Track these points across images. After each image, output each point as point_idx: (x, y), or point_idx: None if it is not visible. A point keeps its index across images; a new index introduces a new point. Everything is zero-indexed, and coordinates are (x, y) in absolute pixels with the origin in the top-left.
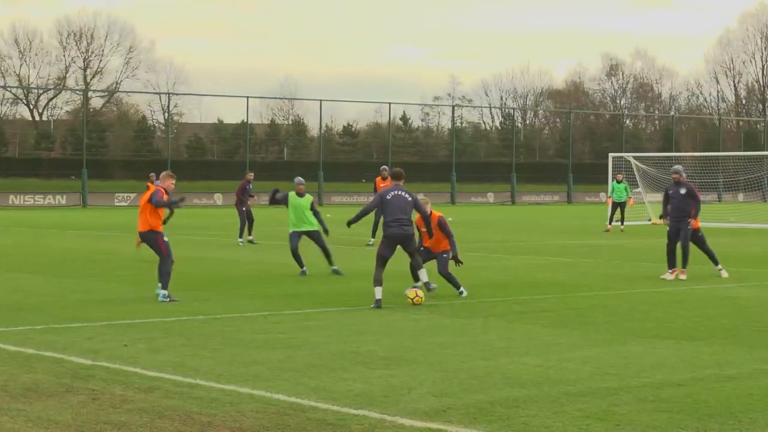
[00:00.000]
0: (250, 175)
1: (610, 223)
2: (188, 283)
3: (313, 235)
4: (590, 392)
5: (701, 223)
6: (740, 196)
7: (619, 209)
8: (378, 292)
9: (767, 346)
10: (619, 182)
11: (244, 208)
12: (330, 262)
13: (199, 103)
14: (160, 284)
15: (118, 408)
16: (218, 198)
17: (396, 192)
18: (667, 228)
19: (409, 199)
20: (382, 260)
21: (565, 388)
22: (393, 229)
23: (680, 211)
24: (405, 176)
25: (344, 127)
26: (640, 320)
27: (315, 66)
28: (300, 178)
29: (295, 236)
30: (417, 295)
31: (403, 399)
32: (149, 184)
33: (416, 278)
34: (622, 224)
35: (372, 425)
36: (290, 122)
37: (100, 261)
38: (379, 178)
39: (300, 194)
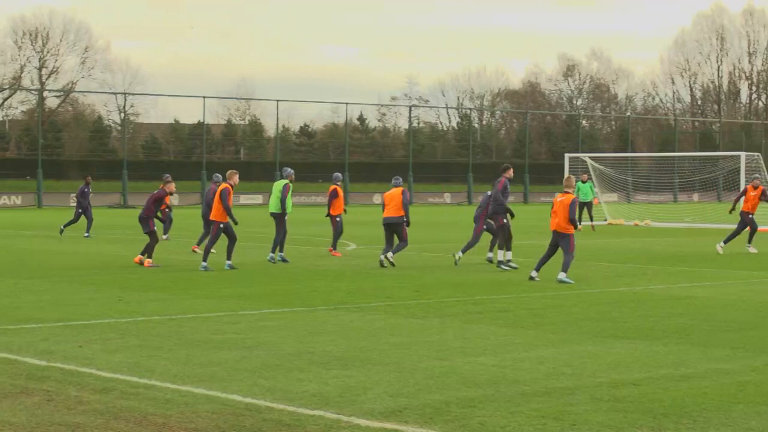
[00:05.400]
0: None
1: (579, 223)
2: (144, 283)
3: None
4: (546, 392)
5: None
6: (695, 196)
7: (585, 209)
8: None
9: (722, 346)
10: (584, 182)
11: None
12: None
13: (155, 104)
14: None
15: (73, 409)
16: (175, 198)
17: None
18: None
19: None
20: None
21: (521, 388)
22: None
23: None
24: (362, 176)
25: (301, 127)
26: (596, 320)
27: (271, 66)
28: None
29: None
30: None
31: (359, 399)
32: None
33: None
34: (591, 222)
35: (328, 426)
36: (247, 122)
37: (55, 262)
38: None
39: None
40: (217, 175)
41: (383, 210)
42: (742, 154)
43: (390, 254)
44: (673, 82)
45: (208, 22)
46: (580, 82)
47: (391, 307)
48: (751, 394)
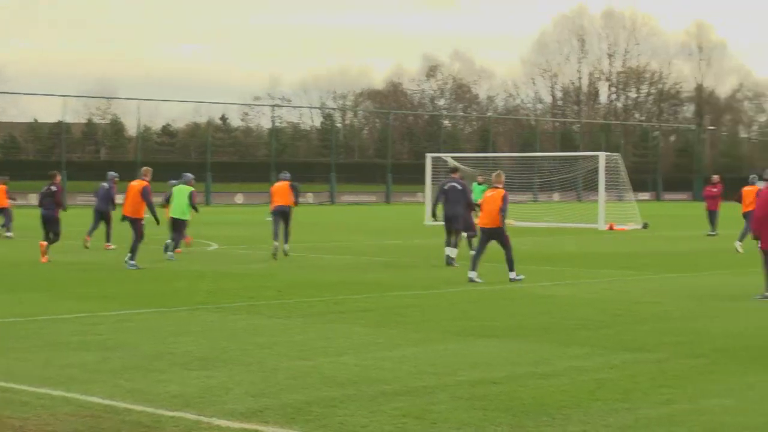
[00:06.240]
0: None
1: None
2: (5, 285)
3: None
4: (407, 391)
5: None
6: (555, 196)
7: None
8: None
9: (581, 344)
10: (480, 184)
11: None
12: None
13: (13, 102)
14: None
15: None
16: (33, 198)
17: None
18: None
19: None
20: None
21: (383, 387)
22: None
23: None
24: (224, 176)
25: (163, 126)
26: (458, 319)
27: (133, 65)
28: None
29: None
30: None
31: (220, 400)
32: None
33: None
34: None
35: (188, 427)
36: (108, 122)
37: None
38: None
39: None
40: (111, 172)
41: (271, 201)
42: (602, 154)
43: (286, 246)
44: (533, 83)
45: (69, 20)
46: (443, 83)
47: (254, 307)
48: (608, 391)
